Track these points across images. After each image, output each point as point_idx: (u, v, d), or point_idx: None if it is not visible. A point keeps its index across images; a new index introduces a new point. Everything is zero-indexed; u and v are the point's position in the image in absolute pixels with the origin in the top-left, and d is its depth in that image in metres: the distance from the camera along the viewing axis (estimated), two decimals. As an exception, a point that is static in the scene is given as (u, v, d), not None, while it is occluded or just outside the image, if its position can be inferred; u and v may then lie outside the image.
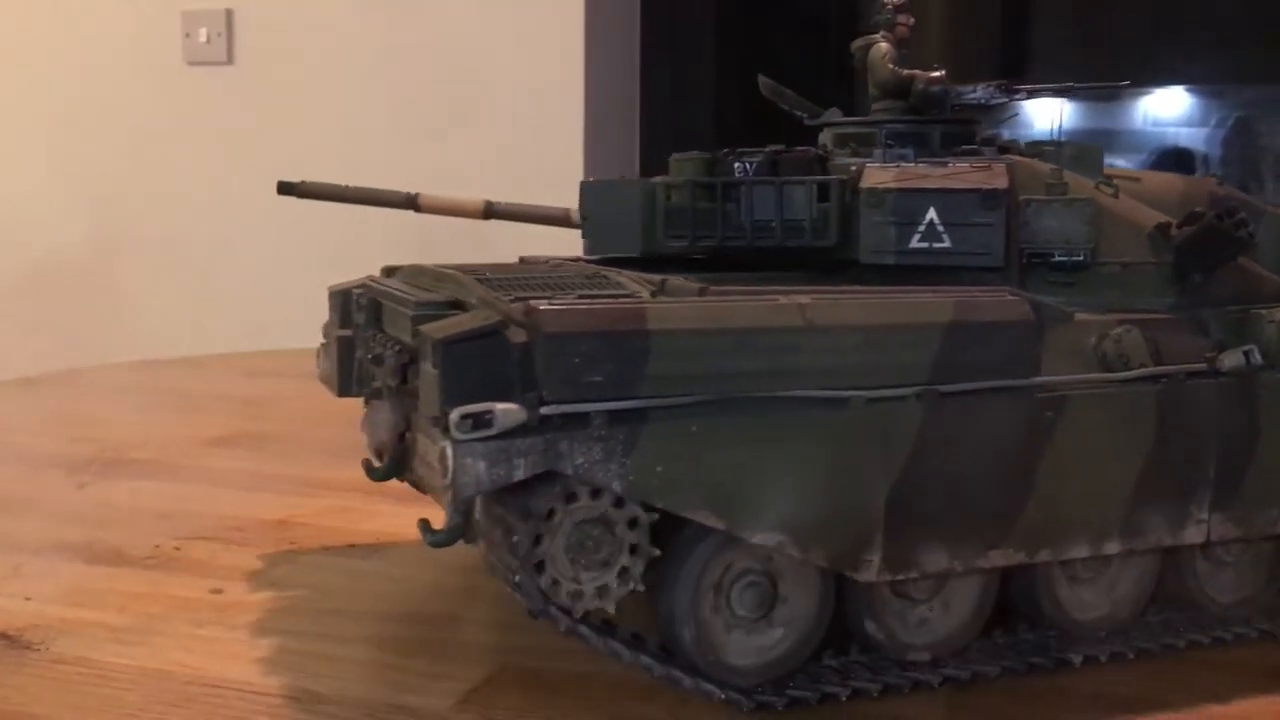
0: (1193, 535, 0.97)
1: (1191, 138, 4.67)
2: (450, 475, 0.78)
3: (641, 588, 0.86)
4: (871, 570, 0.88)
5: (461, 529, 0.90)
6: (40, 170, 3.08)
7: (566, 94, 2.82)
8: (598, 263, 1.12)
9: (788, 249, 1.03)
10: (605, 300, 0.86)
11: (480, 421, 0.78)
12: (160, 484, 1.57)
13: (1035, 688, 0.96)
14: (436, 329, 0.83)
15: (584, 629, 0.86)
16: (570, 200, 1.32)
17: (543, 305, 0.82)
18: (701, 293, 0.89)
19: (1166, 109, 4.66)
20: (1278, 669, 1.00)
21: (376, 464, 1.06)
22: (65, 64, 3.05)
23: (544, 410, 0.79)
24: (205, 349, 2.83)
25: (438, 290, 0.98)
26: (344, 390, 1.07)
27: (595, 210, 1.15)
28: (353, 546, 1.31)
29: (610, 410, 0.81)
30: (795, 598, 0.91)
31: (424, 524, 0.92)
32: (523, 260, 1.22)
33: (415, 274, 1.08)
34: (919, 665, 0.94)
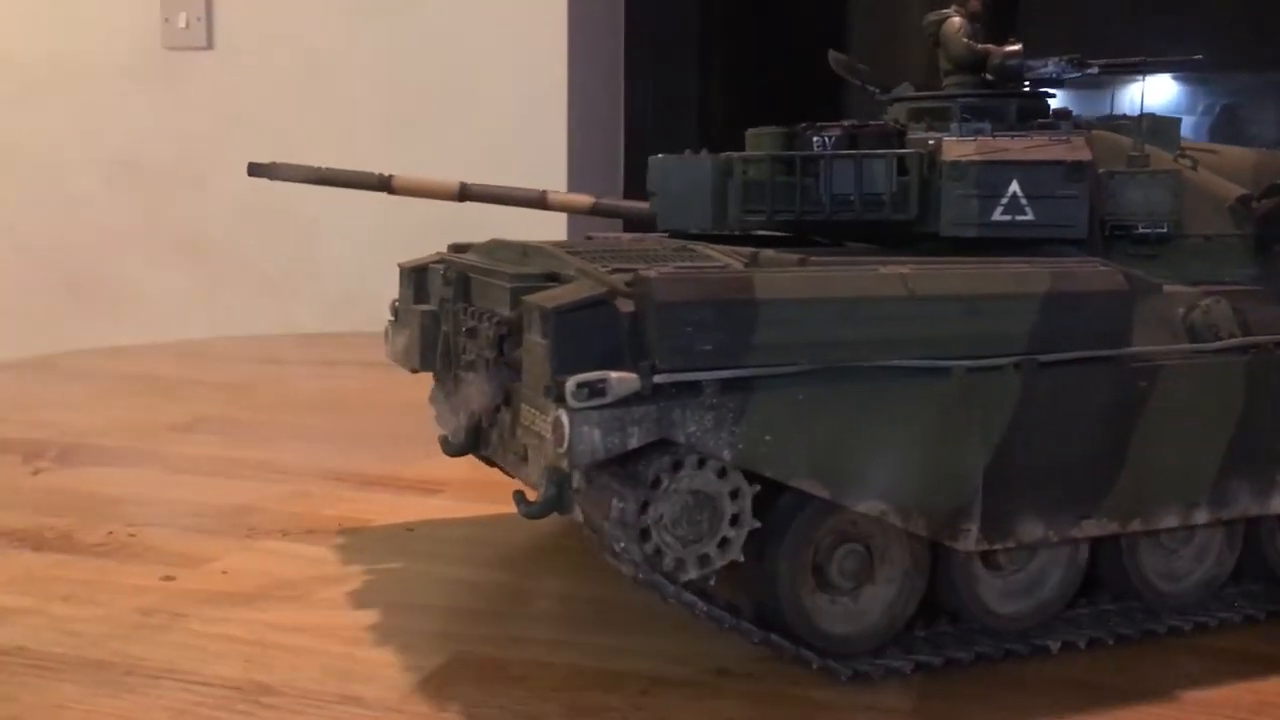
0: (1279, 505, 0.97)
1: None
2: (566, 443, 0.78)
3: (741, 558, 0.86)
4: (970, 539, 0.89)
5: (556, 501, 0.89)
6: (16, 155, 3.03)
7: (551, 79, 2.79)
8: (669, 238, 1.12)
9: (865, 222, 1.03)
10: (710, 270, 0.86)
11: (595, 390, 0.78)
12: (120, 470, 1.54)
13: (1011, 674, 0.94)
14: (544, 299, 0.83)
15: (688, 595, 0.86)
16: (550, 185, 1.31)
17: (653, 275, 0.82)
18: (801, 263, 0.89)
19: (1153, 96, 4.66)
20: (1256, 654, 0.98)
21: (453, 439, 1.06)
22: (43, 48, 2.99)
23: (657, 379, 0.79)
24: (179, 334, 2.79)
25: (526, 264, 0.98)
26: (426, 364, 1.06)
27: (664, 186, 1.15)
28: (312, 533, 1.27)
29: (721, 379, 0.81)
30: (892, 568, 0.91)
31: (519, 495, 0.92)
32: (588, 238, 1.21)
33: (496, 248, 1.08)
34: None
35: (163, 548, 1.22)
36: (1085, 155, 0.99)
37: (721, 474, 0.83)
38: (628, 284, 0.83)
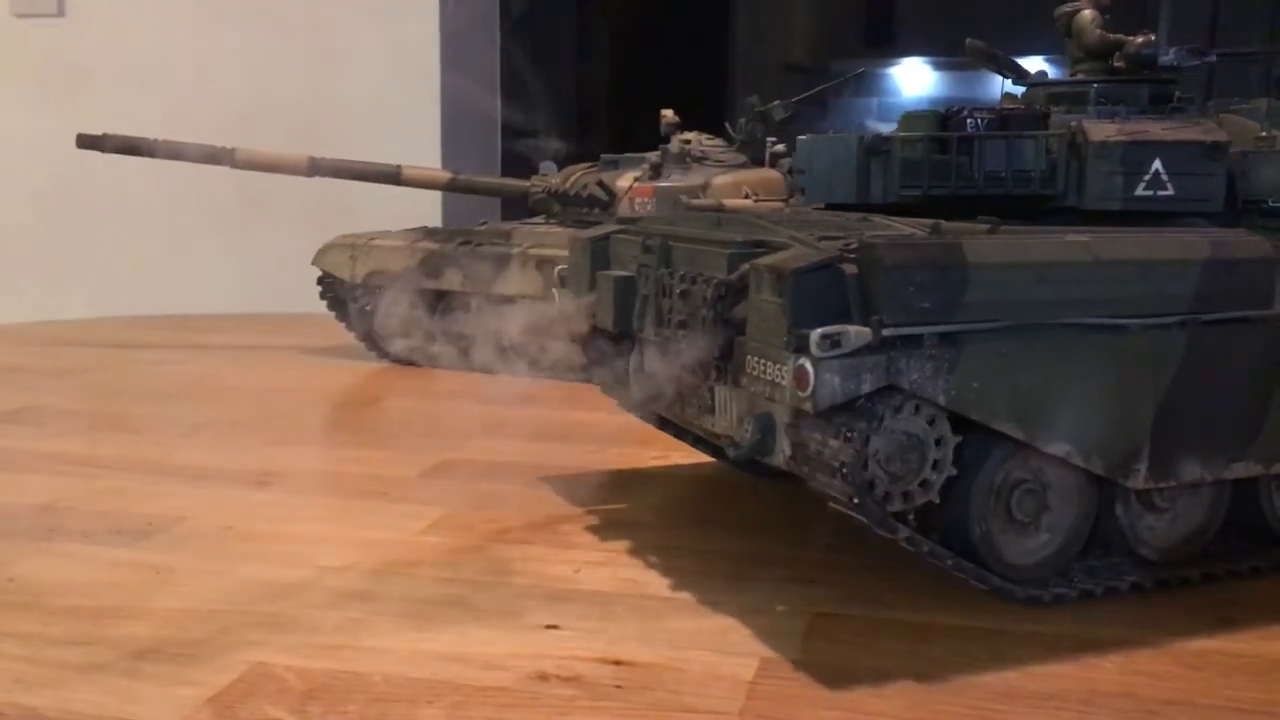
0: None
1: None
2: (811, 388, 0.88)
3: (937, 500, 0.96)
4: (1139, 478, 1.00)
5: (761, 444, 1.00)
6: None
7: (423, 52, 2.77)
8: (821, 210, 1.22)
9: (1011, 197, 1.14)
10: (915, 238, 0.96)
11: (834, 341, 0.88)
12: (-82, 467, 1.41)
13: (845, 667, 0.90)
14: (776, 263, 0.93)
15: (893, 522, 0.95)
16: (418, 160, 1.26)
17: (877, 242, 0.92)
18: (991, 232, 0.99)
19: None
20: (1089, 641, 0.96)
21: (642, 394, 1.15)
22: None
23: (884, 332, 0.89)
24: (12, 316, 2.70)
25: (727, 232, 1.08)
26: (620, 326, 1.15)
27: (811, 163, 1.24)
28: (119, 533, 1.17)
29: (938, 333, 0.91)
30: (1063, 505, 1.02)
31: (728, 441, 1.02)
32: (726, 211, 1.31)
33: (681, 219, 1.17)
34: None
35: None
36: (1223, 136, 1.10)
37: (930, 422, 0.93)
38: (846, 249, 0.93)
